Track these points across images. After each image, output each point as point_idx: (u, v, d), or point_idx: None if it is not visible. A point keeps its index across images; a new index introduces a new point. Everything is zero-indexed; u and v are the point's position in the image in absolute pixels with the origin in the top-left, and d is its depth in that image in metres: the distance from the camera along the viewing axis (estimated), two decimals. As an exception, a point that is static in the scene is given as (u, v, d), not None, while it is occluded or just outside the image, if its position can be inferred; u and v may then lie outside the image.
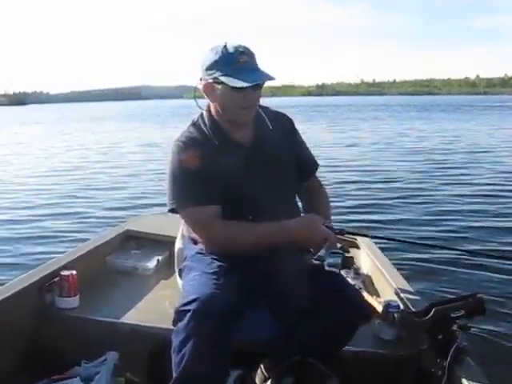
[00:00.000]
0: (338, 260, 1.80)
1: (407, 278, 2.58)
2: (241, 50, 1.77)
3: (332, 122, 30.82)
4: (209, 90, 1.83)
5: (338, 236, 1.86)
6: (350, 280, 2.33)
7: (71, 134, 24.83)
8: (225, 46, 1.77)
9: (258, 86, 1.81)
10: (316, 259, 1.77)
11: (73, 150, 16.68)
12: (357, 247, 2.98)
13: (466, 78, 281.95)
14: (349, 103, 77.17)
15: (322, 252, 1.77)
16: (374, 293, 2.53)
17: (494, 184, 9.07)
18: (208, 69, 1.80)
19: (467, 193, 8.28)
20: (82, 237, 5.33)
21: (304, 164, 2.09)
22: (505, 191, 8.43)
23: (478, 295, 1.87)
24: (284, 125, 2.07)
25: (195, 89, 1.92)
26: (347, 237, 2.14)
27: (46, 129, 29.70)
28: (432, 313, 1.83)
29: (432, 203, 7.55)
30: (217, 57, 1.77)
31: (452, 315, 1.81)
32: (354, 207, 7.24)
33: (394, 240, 2.31)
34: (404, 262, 4.51)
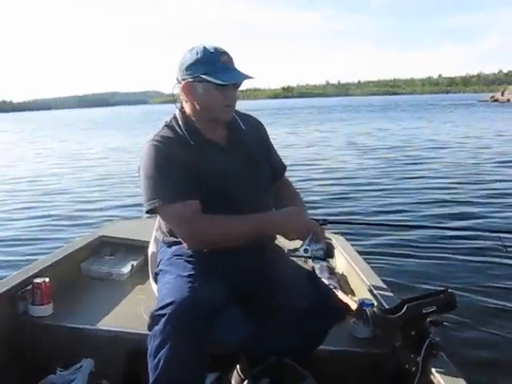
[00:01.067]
0: (321, 250, 1.82)
1: (381, 275, 2.62)
2: (221, 50, 1.80)
3: (296, 123, 31.26)
4: (189, 89, 1.83)
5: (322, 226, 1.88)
6: (324, 279, 2.35)
7: (38, 141, 24.48)
8: (204, 47, 1.80)
9: (236, 86, 1.85)
10: (301, 251, 1.78)
11: (40, 157, 16.45)
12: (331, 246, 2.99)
13: (429, 77, 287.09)
14: (313, 105, 78.09)
15: (305, 243, 1.78)
16: (349, 291, 2.55)
17: (453, 172, 9.87)
18: (188, 68, 1.81)
19: (426, 185, 8.70)
20: (55, 244, 5.25)
21: (274, 166, 2.11)
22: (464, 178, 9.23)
23: (449, 290, 1.89)
24: (255, 126, 2.09)
25: (173, 90, 1.91)
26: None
27: (11, 137, 29.18)
28: (404, 309, 1.84)
29: (390, 196, 7.90)
30: (198, 56, 1.79)
31: (424, 311, 1.82)
32: (318, 202, 7.39)
33: (373, 225, 2.33)
34: (377, 257, 4.59)
